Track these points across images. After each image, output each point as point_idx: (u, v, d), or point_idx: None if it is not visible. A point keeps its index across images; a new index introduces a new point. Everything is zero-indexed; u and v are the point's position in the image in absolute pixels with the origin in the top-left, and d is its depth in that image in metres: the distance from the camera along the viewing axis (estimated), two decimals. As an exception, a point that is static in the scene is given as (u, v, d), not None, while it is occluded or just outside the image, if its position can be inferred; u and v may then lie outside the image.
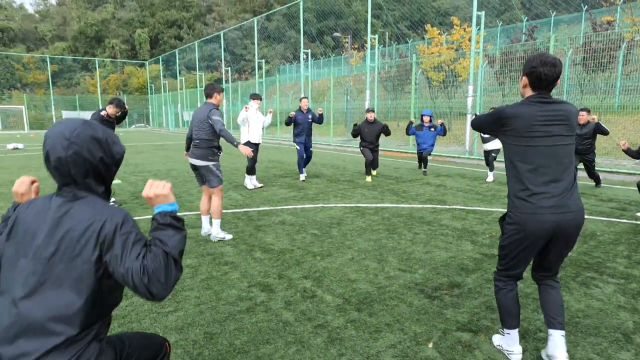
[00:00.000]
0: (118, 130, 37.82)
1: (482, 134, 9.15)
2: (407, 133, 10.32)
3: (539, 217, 2.24)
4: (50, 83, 44.44)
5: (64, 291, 1.36)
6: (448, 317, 3.08)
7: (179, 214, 1.83)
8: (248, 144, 8.22)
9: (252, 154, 5.18)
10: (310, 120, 9.07)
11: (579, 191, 2.34)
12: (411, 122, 10.26)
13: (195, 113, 4.89)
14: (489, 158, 9.19)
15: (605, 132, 7.27)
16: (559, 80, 2.33)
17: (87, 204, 1.46)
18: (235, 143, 4.92)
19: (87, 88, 54.65)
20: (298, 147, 9.12)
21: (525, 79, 2.35)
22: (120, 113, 7.23)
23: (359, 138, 9.40)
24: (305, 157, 9.21)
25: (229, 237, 4.95)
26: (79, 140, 1.46)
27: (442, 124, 9.90)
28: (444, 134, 10.01)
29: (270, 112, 8.82)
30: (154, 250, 1.41)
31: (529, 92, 2.36)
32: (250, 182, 8.34)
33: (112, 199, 6.91)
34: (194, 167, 4.91)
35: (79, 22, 62.92)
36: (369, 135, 9.13)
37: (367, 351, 2.64)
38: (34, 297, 1.35)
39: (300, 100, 9.13)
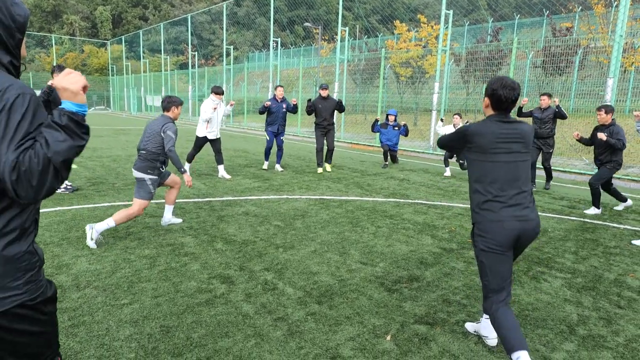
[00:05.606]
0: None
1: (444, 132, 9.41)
2: (373, 130, 10.58)
3: (505, 225, 2.40)
4: (1, 58, 41.58)
5: None
6: (406, 310, 3.15)
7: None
8: (205, 139, 8.06)
9: (192, 185, 4.77)
10: (284, 109, 8.93)
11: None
12: (377, 120, 10.48)
13: (149, 123, 4.58)
14: (451, 158, 9.48)
15: (564, 116, 7.57)
16: (516, 103, 2.51)
17: None
18: (182, 170, 4.63)
19: (42, 66, 51.54)
20: (268, 137, 9.05)
21: (487, 100, 2.54)
22: None
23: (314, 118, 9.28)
24: (277, 150, 9.12)
25: (92, 245, 4.15)
26: None
27: (405, 125, 10.35)
28: (406, 135, 10.50)
29: (232, 104, 8.66)
30: (37, 148, 1.20)
31: (490, 112, 2.57)
32: (188, 167, 8.20)
33: (68, 184, 6.56)
34: (135, 179, 4.59)
35: (34, -6, 59.05)
36: (323, 110, 8.94)
37: (326, 344, 2.66)
38: None
39: (276, 88, 8.98)
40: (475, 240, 2.55)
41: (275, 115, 8.86)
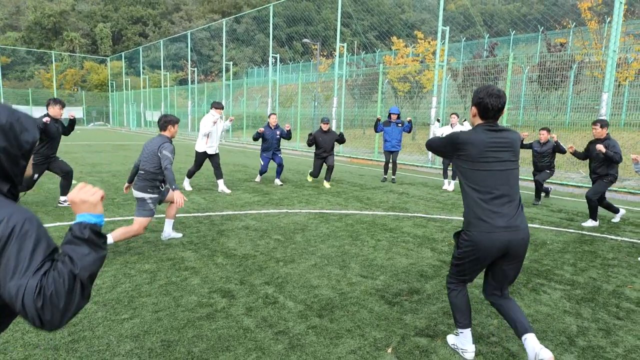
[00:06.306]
0: (75, 128, 36.05)
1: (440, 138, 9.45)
2: (376, 130, 10.50)
3: (494, 236, 2.43)
4: (0, 75, 42.01)
5: None
6: (407, 322, 3.15)
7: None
8: (205, 154, 8.18)
9: (183, 204, 4.71)
10: (278, 136, 9.16)
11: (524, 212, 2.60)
12: (378, 120, 10.44)
13: (147, 143, 4.65)
14: (447, 166, 9.52)
15: (562, 151, 7.71)
16: (504, 110, 2.56)
17: None
18: (174, 187, 4.52)
19: (42, 82, 51.92)
20: (262, 162, 9.27)
21: (474, 109, 2.57)
22: (69, 119, 6.65)
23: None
24: (277, 166, 9.27)
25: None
26: None
27: (409, 121, 10.19)
28: (410, 131, 10.34)
29: (231, 120, 8.92)
30: (59, 267, 1.16)
31: (478, 121, 2.59)
32: (188, 184, 8.44)
33: (65, 199, 6.59)
34: (135, 198, 4.63)
35: (34, 12, 59.69)
36: (323, 143, 9.23)
37: (327, 357, 2.66)
38: None
39: (269, 116, 9.21)
40: (460, 242, 2.58)
41: (269, 142, 9.08)
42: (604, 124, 6.16)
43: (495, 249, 2.44)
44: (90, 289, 1.23)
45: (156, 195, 4.59)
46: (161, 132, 4.73)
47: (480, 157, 2.46)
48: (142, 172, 4.54)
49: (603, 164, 6.15)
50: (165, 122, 4.72)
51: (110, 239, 4.25)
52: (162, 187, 4.68)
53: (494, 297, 2.67)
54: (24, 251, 1.14)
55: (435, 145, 2.76)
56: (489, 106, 2.47)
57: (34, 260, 1.14)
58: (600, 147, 5.95)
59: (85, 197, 1.28)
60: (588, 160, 6.50)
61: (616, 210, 6.57)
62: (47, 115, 6.24)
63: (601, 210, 7.35)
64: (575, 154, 6.59)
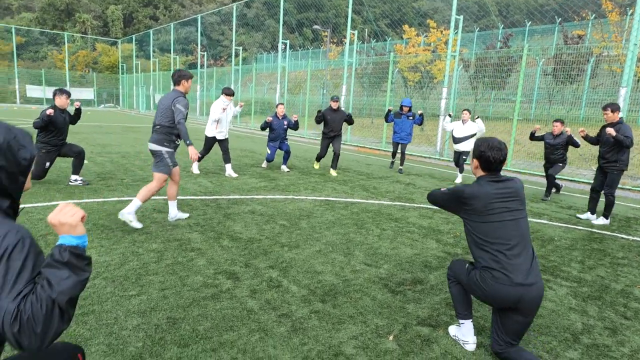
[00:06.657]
0: (86, 109, 36.36)
1: (454, 134, 9.35)
2: (386, 120, 10.44)
3: (511, 290, 2.36)
4: (15, 55, 42.18)
5: None
6: (409, 311, 3.16)
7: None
8: (214, 139, 8.21)
9: (197, 159, 4.79)
10: (285, 126, 9.13)
11: (537, 260, 2.51)
12: (389, 110, 10.34)
13: (161, 99, 4.74)
14: (459, 160, 9.43)
15: (576, 145, 7.48)
16: (505, 162, 2.52)
17: None
18: (188, 142, 4.63)
19: (55, 63, 52.09)
20: (269, 151, 9.24)
21: (476, 162, 2.57)
22: (75, 109, 6.69)
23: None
24: (284, 153, 9.27)
25: (137, 225, 4.53)
26: None
27: (421, 114, 10.08)
28: (421, 124, 10.23)
29: (241, 105, 8.93)
30: (38, 291, 1.13)
31: (480, 173, 2.58)
32: (197, 168, 8.48)
33: (80, 178, 6.67)
34: (152, 152, 4.74)
35: (48, -8, 59.74)
36: (332, 122, 9.06)
37: (329, 341, 2.68)
38: None
39: (277, 106, 9.18)
40: (475, 278, 2.49)
41: (277, 132, 9.07)
42: (614, 108, 5.91)
43: (507, 301, 2.39)
44: (72, 313, 1.20)
45: (172, 150, 4.71)
46: (175, 87, 4.78)
47: (487, 209, 2.43)
48: (158, 126, 4.66)
49: (613, 148, 5.91)
50: (179, 76, 4.76)
51: (138, 202, 4.45)
52: (178, 142, 4.79)
53: (503, 348, 2.50)
54: (9, 274, 1.14)
55: (439, 199, 2.71)
56: (490, 159, 2.47)
57: (18, 284, 1.14)
58: (609, 130, 5.73)
59: (64, 219, 1.23)
60: (599, 146, 6.31)
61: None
62: (53, 106, 6.30)
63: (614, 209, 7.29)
64: (586, 138, 6.39)
